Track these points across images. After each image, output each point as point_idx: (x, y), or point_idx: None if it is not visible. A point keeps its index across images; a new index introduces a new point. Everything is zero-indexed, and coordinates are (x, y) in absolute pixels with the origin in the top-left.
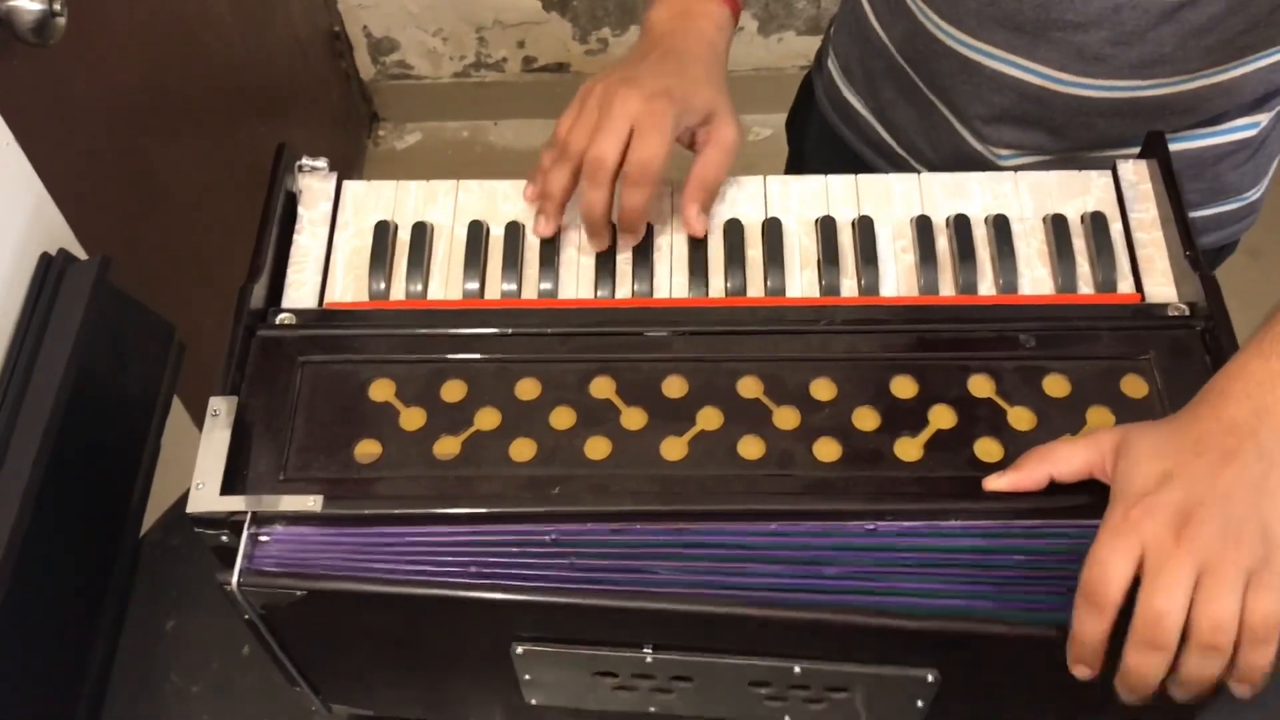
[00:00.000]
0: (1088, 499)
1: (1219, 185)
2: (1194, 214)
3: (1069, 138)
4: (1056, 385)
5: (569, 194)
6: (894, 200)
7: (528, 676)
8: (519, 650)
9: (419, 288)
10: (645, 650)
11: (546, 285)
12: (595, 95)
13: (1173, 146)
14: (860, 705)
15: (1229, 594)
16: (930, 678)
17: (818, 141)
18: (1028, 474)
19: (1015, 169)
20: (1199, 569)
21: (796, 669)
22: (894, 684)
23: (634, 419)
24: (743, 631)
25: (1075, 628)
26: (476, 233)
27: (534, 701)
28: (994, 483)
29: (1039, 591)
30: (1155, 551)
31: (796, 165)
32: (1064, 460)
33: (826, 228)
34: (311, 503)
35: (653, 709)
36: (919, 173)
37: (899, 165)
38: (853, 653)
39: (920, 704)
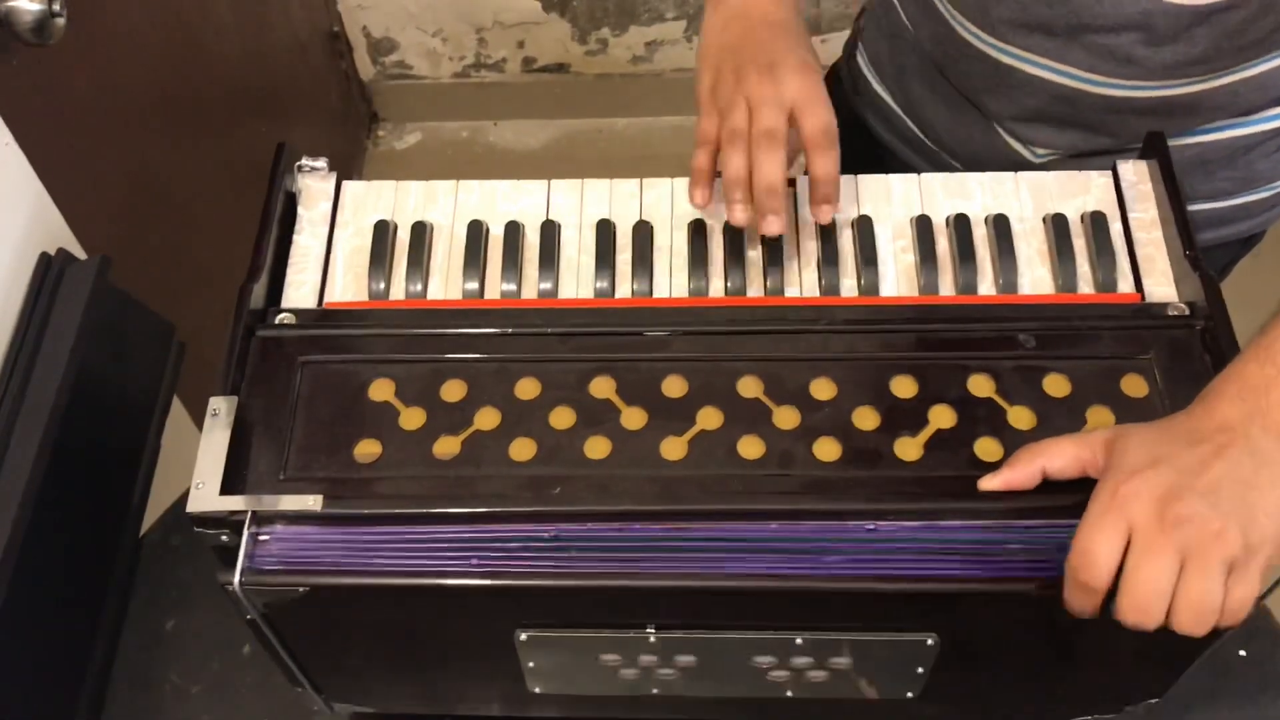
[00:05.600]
0: (1084, 498)
1: (1250, 174)
2: (1225, 203)
3: (1103, 135)
4: (1056, 385)
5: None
6: (894, 200)
7: (531, 664)
8: (523, 637)
9: (419, 287)
10: (649, 630)
11: (546, 285)
12: (732, 88)
13: (1205, 137)
14: (862, 673)
15: (1212, 583)
16: (930, 641)
17: (844, 133)
18: (1020, 471)
19: (1050, 166)
20: (1183, 554)
21: (798, 639)
22: (894, 649)
23: (634, 419)
24: (744, 605)
25: (1067, 602)
26: (476, 232)
27: (537, 689)
28: (988, 483)
29: (1036, 561)
30: (1142, 533)
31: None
32: (1056, 456)
33: (827, 228)
34: (311, 502)
35: (655, 690)
36: (921, 172)
37: (928, 157)
38: (853, 620)
39: (921, 670)
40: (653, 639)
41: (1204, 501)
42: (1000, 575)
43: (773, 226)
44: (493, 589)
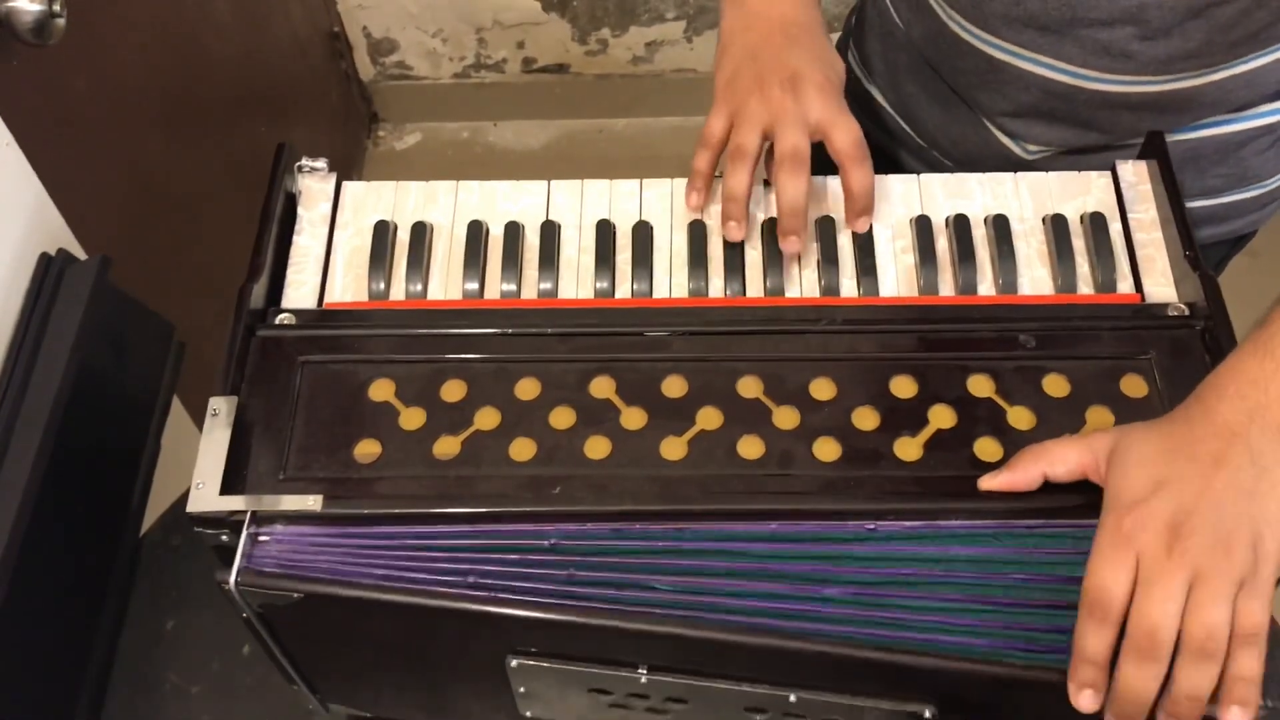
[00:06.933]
0: (1084, 499)
1: (1242, 171)
2: (1217, 200)
3: (1096, 131)
4: (1056, 385)
5: (750, 192)
6: (894, 200)
7: (523, 689)
8: (514, 663)
9: (419, 288)
10: (640, 670)
11: (546, 285)
12: (749, 92)
13: (1198, 133)
14: None
15: (1221, 602)
16: (927, 714)
17: None
18: (1021, 473)
19: (1043, 163)
20: (1191, 578)
21: (792, 698)
22: (890, 719)
23: (634, 419)
24: (739, 657)
25: (1079, 644)
26: (476, 233)
27: (529, 714)
28: (988, 482)
29: (1038, 628)
30: (1149, 562)
31: (815, 156)
32: (1058, 460)
33: (826, 228)
34: (311, 502)
35: None
36: (923, 171)
37: (920, 157)
38: (850, 684)
39: None
40: (643, 679)
41: (1208, 524)
42: (1002, 652)
43: (793, 246)
44: (486, 615)
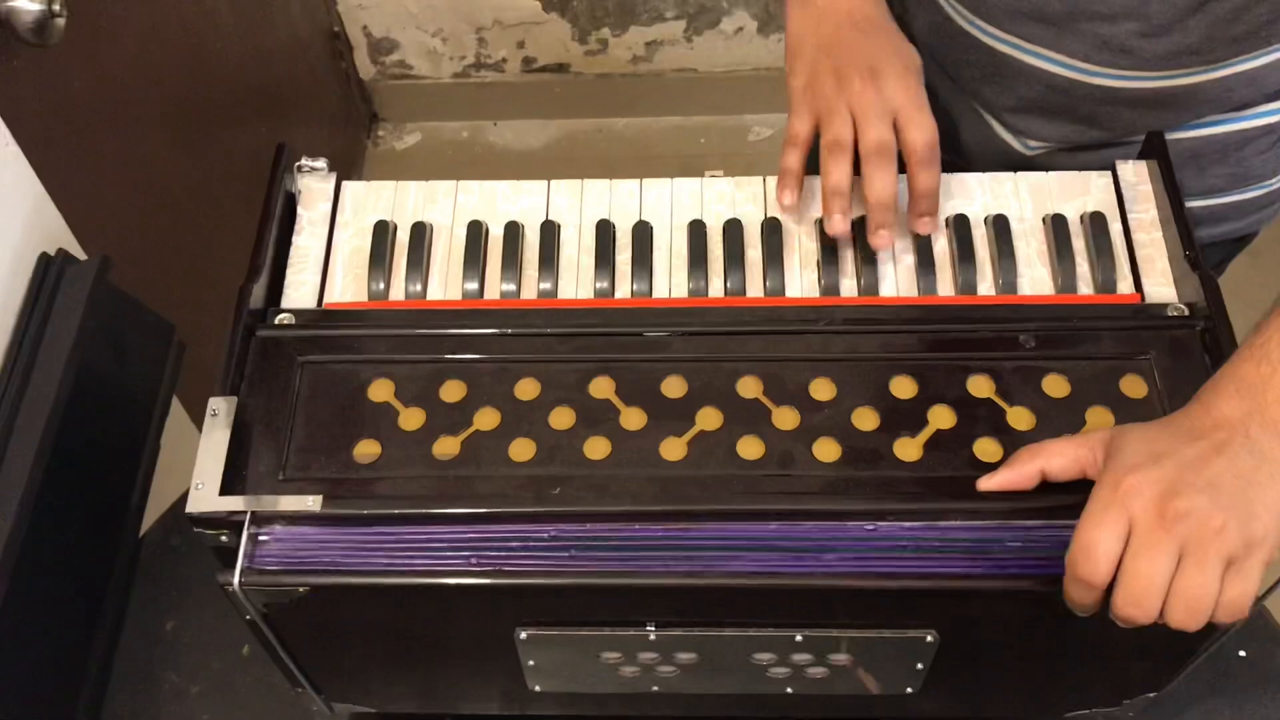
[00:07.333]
0: (1084, 499)
1: (1243, 170)
2: (1218, 200)
3: (1097, 128)
4: (1056, 385)
5: (852, 184)
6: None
7: (531, 662)
8: (523, 635)
9: (418, 288)
10: (648, 627)
11: (546, 285)
12: (831, 88)
13: (1198, 132)
14: (862, 670)
15: (1209, 578)
16: (930, 638)
17: None
18: (1019, 471)
19: (1042, 159)
20: (1181, 549)
21: (798, 637)
22: (895, 646)
23: (633, 419)
24: (743, 603)
25: (1067, 596)
26: (476, 233)
27: (537, 688)
28: (986, 483)
29: (1035, 559)
30: (1141, 528)
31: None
32: (1055, 456)
33: (825, 229)
34: (311, 502)
35: (656, 688)
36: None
37: None
38: (853, 618)
39: (920, 666)
40: (653, 636)
41: (1204, 497)
42: (1000, 573)
43: (883, 240)
44: (492, 588)
